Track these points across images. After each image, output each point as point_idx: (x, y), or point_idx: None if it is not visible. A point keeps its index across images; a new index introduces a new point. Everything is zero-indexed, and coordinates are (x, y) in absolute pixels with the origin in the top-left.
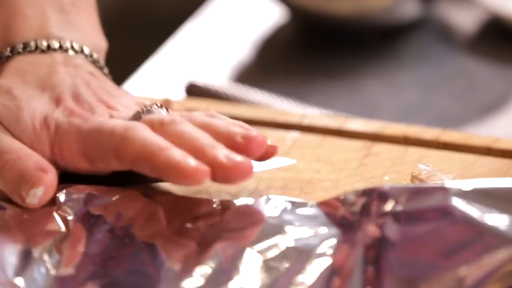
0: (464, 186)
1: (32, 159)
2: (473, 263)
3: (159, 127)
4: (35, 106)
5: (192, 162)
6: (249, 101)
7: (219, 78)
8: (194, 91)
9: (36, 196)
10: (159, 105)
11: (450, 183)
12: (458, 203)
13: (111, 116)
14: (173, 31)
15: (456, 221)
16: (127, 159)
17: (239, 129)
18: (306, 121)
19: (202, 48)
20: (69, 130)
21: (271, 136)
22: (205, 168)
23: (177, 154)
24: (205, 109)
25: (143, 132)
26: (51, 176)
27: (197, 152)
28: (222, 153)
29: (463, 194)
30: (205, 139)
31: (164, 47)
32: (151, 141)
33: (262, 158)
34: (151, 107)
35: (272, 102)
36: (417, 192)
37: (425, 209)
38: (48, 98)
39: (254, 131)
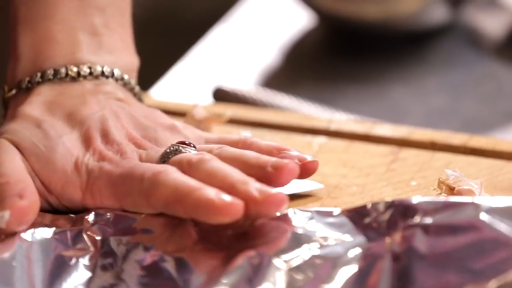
0: (494, 202)
1: (19, 186)
2: (502, 278)
3: (188, 167)
4: (66, 148)
5: (225, 197)
6: (276, 105)
7: (246, 82)
8: (221, 95)
9: (3, 219)
10: (187, 142)
11: (480, 199)
12: (488, 219)
13: (140, 158)
14: (201, 35)
15: (486, 237)
16: (159, 203)
17: (269, 158)
18: (333, 126)
19: (230, 52)
20: (100, 177)
21: (298, 141)
22: (239, 202)
23: (210, 192)
24: (238, 133)
25: (173, 175)
26: (24, 203)
27: (228, 189)
28: (254, 187)
29: (493, 211)
30: (236, 175)
31: (192, 51)
32: (182, 183)
33: (303, 175)
34: (178, 146)
35: (299, 106)
36: (447, 205)
37: (455, 223)
38: (78, 137)
39: (289, 152)
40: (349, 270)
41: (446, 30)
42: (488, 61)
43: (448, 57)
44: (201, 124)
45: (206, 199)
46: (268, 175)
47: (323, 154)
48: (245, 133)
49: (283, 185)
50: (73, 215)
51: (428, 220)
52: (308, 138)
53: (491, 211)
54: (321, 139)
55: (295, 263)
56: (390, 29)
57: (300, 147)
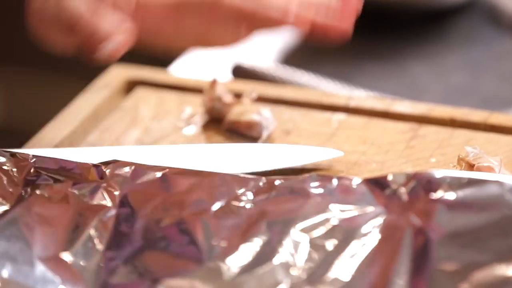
0: None
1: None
2: None
3: None
4: None
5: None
6: (295, 82)
7: (265, 59)
8: (240, 72)
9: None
10: None
11: (504, 177)
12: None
13: None
14: None
15: (510, 216)
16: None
17: None
18: (353, 103)
19: None
20: None
21: (317, 118)
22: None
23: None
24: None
25: None
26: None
27: None
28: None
29: None
30: None
31: None
32: None
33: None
34: None
35: (319, 84)
36: (471, 181)
37: (479, 200)
38: None
39: None
40: (369, 241)
41: (466, 7)
42: (508, 38)
43: (467, 34)
44: (225, 106)
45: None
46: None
47: (342, 131)
48: (264, 111)
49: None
50: (90, 164)
51: (452, 196)
52: (327, 115)
53: None
54: (340, 116)
55: (316, 232)
56: (410, 6)
57: (319, 124)
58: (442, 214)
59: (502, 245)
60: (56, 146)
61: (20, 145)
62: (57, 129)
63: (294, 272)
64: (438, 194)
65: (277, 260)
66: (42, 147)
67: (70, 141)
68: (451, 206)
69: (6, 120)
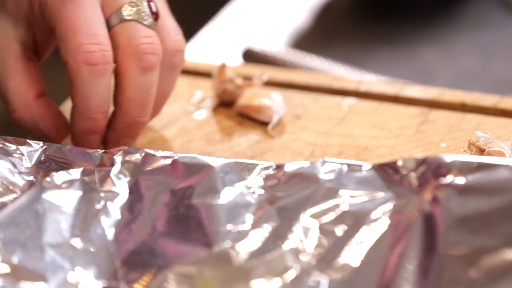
0: None
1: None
2: None
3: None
4: None
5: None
6: (306, 67)
7: (276, 43)
8: (250, 56)
9: None
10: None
11: None
12: None
13: None
14: None
15: None
16: None
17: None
18: (363, 88)
19: (260, 13)
20: None
21: (327, 102)
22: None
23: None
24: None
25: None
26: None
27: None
28: None
29: None
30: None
31: (222, 12)
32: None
33: None
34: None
35: (329, 68)
36: (481, 166)
37: (489, 184)
38: None
39: None
40: (379, 227)
41: None
42: None
43: (479, 18)
44: (237, 89)
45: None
46: None
47: (353, 115)
48: (275, 95)
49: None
50: (99, 152)
51: (461, 180)
52: (337, 99)
53: None
54: (351, 101)
55: (325, 218)
56: None
57: (329, 108)
58: (452, 198)
59: None
60: None
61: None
62: (67, 115)
63: (303, 257)
64: (448, 179)
65: (286, 245)
66: None
67: None
68: (461, 190)
69: None
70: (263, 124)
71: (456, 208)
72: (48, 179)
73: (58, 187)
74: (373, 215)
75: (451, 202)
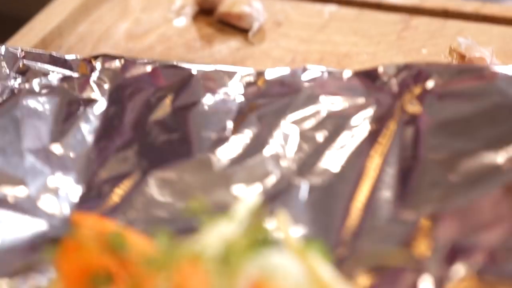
0: (510, 70)
1: None
2: None
3: None
4: None
5: None
6: None
7: None
8: None
9: None
10: None
11: (495, 67)
12: (504, 86)
13: None
14: None
15: (501, 105)
16: None
17: None
18: None
19: None
20: None
21: (308, 10)
22: None
23: None
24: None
25: None
26: None
27: None
28: None
29: (509, 79)
30: None
31: None
32: None
33: None
34: None
35: None
36: (461, 71)
37: (469, 89)
38: None
39: None
40: (359, 133)
41: None
42: None
43: None
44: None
45: None
46: None
47: (334, 22)
48: (255, 2)
49: None
50: (78, 58)
51: (441, 85)
52: (318, 6)
53: (506, 79)
54: (332, 8)
55: (306, 124)
56: None
57: (310, 15)
58: (432, 103)
59: (491, 133)
60: (45, 36)
61: (9, 34)
62: (46, 19)
63: (284, 163)
64: (429, 85)
65: (267, 151)
66: (31, 37)
67: (59, 32)
68: (441, 95)
69: None
70: (244, 31)
71: (436, 112)
72: (27, 85)
73: (37, 93)
74: (354, 121)
75: (431, 107)
